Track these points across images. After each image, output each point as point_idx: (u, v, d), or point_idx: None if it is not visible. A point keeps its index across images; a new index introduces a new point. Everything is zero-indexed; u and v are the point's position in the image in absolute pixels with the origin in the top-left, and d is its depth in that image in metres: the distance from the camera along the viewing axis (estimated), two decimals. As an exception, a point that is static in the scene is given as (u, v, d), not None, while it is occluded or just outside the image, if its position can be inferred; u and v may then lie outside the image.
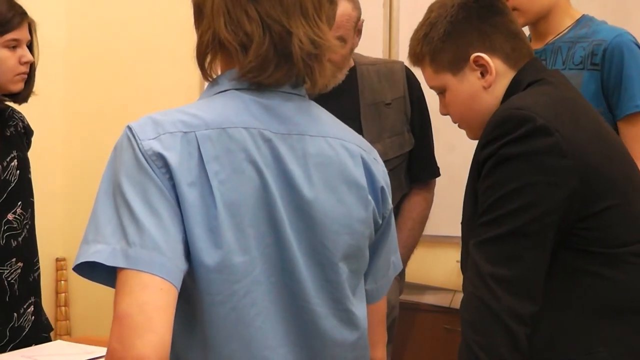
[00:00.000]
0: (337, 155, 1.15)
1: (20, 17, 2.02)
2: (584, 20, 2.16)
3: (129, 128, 1.05)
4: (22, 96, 2.10)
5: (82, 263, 1.00)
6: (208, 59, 1.14)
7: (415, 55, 1.58)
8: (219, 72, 1.16)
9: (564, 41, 2.13)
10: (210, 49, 1.13)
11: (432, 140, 2.45)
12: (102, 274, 1.01)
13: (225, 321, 1.04)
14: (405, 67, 2.36)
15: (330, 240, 1.12)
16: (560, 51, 2.13)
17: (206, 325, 1.04)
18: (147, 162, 1.01)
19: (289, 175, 1.09)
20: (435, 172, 2.48)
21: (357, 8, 2.22)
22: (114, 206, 1.00)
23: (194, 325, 1.05)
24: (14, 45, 2.00)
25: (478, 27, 1.51)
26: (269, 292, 1.07)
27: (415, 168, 2.40)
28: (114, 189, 1.01)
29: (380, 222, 1.22)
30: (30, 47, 2.08)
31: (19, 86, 2.04)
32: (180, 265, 1.01)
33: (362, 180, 1.17)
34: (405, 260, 2.42)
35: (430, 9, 1.56)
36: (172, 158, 1.02)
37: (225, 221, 1.03)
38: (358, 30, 2.28)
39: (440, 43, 1.52)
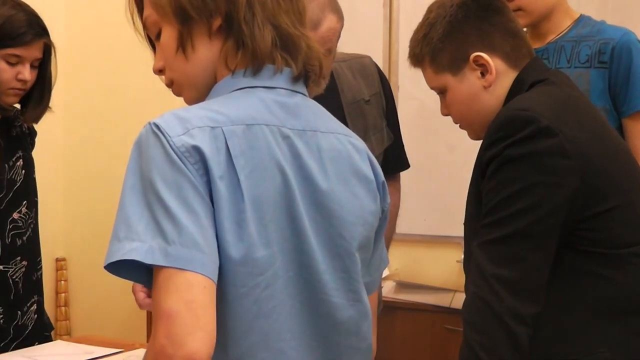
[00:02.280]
0: (346, 151, 1.20)
1: (34, 36, 1.98)
2: (584, 20, 2.17)
3: (155, 125, 1.04)
4: (31, 116, 2.08)
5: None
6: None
7: (415, 56, 1.58)
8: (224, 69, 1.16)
9: (567, 40, 2.14)
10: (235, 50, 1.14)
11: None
12: (133, 270, 1.01)
13: (247, 314, 1.05)
14: (373, 60, 2.36)
15: (347, 231, 1.15)
16: (564, 50, 2.14)
17: (229, 318, 1.05)
18: (180, 159, 1.01)
19: (306, 170, 1.12)
20: (407, 164, 2.47)
21: (341, 18, 2.20)
22: (145, 203, 1.00)
23: (217, 318, 1.05)
24: (15, 62, 1.98)
25: (477, 26, 1.51)
26: (286, 286, 1.09)
27: (390, 161, 2.39)
28: (144, 187, 1.01)
29: (381, 215, 1.25)
30: (43, 67, 2.05)
31: (11, 100, 2.03)
32: (217, 261, 1.02)
33: (370, 174, 1.22)
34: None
35: (429, 10, 1.57)
36: (206, 150, 1.03)
37: (250, 215, 1.04)
38: (338, 37, 2.27)
39: (439, 43, 1.52)
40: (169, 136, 1.02)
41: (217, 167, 1.03)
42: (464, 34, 1.51)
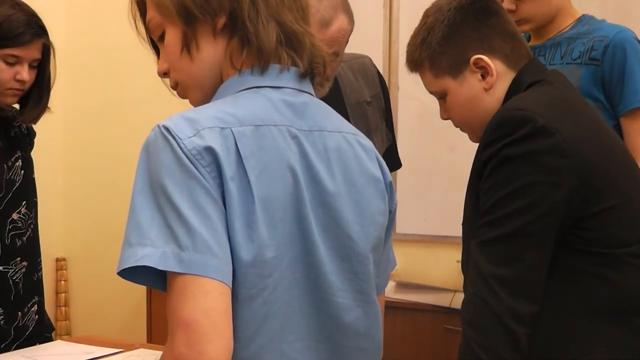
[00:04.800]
0: (354, 150, 1.18)
1: (32, 36, 1.97)
2: (585, 19, 2.19)
3: (165, 127, 1.02)
4: (30, 117, 2.07)
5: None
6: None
7: (414, 61, 1.57)
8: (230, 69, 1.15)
9: (564, 37, 2.17)
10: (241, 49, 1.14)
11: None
12: (146, 276, 1.00)
13: (256, 316, 1.04)
14: (372, 61, 2.36)
15: (355, 232, 1.14)
16: (560, 46, 2.16)
17: (239, 320, 1.03)
18: (191, 162, 1.00)
19: (314, 170, 1.11)
20: (400, 164, 2.47)
21: (352, 20, 2.20)
22: (157, 207, 0.99)
23: None
24: (13, 62, 1.97)
25: (476, 29, 1.51)
26: (292, 287, 1.08)
27: (387, 161, 2.39)
28: (155, 191, 1.00)
29: (388, 216, 1.24)
30: (42, 68, 2.04)
31: (9, 100, 2.03)
32: (230, 265, 1.01)
33: (378, 173, 1.21)
34: None
35: (426, 14, 1.56)
36: (218, 150, 1.02)
37: (260, 216, 1.03)
38: (347, 42, 2.26)
39: (439, 47, 1.51)
40: (179, 139, 1.01)
41: (229, 167, 1.02)
42: (463, 37, 1.50)
